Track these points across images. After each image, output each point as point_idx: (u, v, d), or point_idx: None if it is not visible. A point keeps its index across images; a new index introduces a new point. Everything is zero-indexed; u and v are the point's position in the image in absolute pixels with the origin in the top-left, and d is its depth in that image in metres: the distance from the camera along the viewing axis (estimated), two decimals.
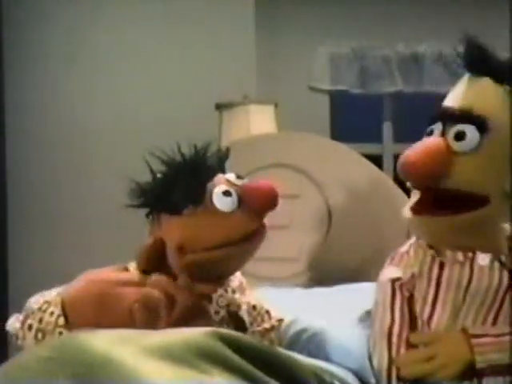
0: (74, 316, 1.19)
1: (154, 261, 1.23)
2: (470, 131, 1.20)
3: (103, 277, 1.22)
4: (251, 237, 1.21)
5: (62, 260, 3.04)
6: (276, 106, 2.95)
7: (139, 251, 1.24)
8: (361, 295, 1.44)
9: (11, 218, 3.28)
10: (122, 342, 1.00)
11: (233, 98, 2.95)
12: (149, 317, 1.17)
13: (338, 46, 3.81)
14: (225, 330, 1.08)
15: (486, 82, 1.23)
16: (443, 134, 1.23)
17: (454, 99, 1.26)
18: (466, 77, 1.26)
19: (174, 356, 0.98)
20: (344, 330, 1.35)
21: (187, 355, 0.99)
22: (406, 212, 1.27)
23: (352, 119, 4.04)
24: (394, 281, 1.32)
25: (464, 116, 1.21)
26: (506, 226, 1.31)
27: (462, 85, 1.27)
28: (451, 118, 1.23)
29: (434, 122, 1.26)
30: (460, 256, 1.27)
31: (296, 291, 1.71)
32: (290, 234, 1.84)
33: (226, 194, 1.20)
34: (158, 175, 1.24)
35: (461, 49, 1.24)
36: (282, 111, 2.98)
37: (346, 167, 1.93)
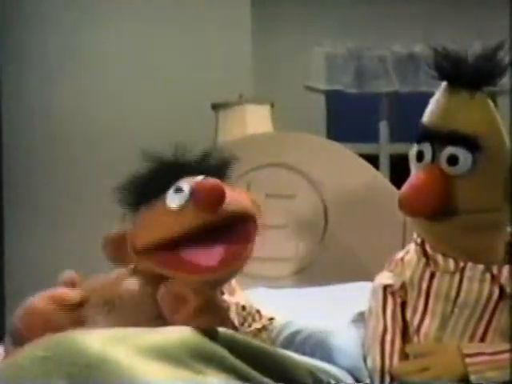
0: None
1: (120, 252, 1.26)
2: (462, 154, 1.19)
3: None
4: (198, 233, 1.20)
5: (59, 260, 3.04)
6: (272, 105, 2.95)
7: (104, 238, 1.27)
8: (356, 295, 1.44)
9: (8, 218, 3.27)
10: (117, 341, 1.00)
11: (229, 98, 2.94)
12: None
13: (334, 45, 3.81)
14: (221, 329, 1.09)
15: (468, 96, 1.22)
16: (434, 156, 1.22)
17: (438, 116, 1.24)
18: (444, 87, 1.25)
19: (169, 356, 0.99)
20: (339, 330, 1.35)
21: (182, 355, 0.99)
22: (421, 219, 1.26)
23: (348, 119, 4.04)
24: (385, 287, 1.32)
25: (453, 137, 1.20)
26: (508, 229, 1.30)
27: (442, 98, 1.24)
28: (440, 140, 1.22)
29: (421, 141, 1.25)
30: (451, 265, 1.26)
31: (290, 291, 1.71)
32: (286, 234, 1.84)
33: (177, 190, 1.22)
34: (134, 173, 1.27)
35: (432, 58, 1.23)
36: (279, 111, 2.97)
37: (343, 167, 1.93)
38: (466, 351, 1.21)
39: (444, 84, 1.25)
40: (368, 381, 1.24)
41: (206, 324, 1.09)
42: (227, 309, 1.30)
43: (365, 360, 1.27)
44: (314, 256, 1.83)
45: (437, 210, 1.21)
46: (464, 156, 1.19)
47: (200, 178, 1.24)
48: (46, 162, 3.32)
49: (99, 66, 3.35)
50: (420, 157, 1.25)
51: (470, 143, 1.18)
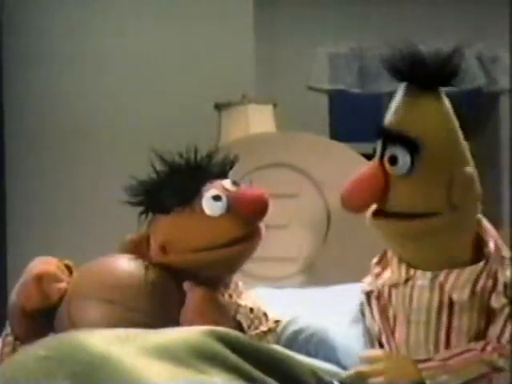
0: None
1: (137, 256, 1.25)
2: (402, 154, 1.19)
3: None
4: (237, 243, 1.21)
5: (62, 257, 3.04)
6: (275, 105, 2.95)
7: (120, 244, 1.26)
8: (358, 295, 1.44)
9: (11, 215, 3.28)
10: (120, 341, 1.01)
11: (232, 98, 2.94)
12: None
13: (337, 45, 3.81)
14: (224, 330, 1.09)
15: (420, 95, 1.20)
16: (382, 155, 1.22)
17: (390, 115, 1.24)
18: (403, 86, 1.24)
19: (172, 356, 0.99)
20: (342, 329, 1.35)
21: (185, 355, 0.99)
22: (368, 214, 1.27)
23: (351, 119, 4.04)
24: (368, 294, 1.33)
25: (396, 138, 1.20)
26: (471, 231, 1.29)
27: (398, 97, 1.25)
28: (387, 138, 1.22)
29: (377, 138, 1.26)
30: (403, 273, 1.27)
31: (293, 291, 1.71)
32: (288, 234, 1.84)
33: (216, 198, 1.20)
34: (154, 174, 1.25)
35: (387, 56, 1.23)
36: (281, 111, 2.97)
37: (345, 167, 1.92)
38: (414, 357, 1.22)
39: (403, 84, 1.24)
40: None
41: (210, 324, 1.09)
42: (235, 311, 1.30)
43: None
44: (317, 256, 1.83)
45: (373, 203, 1.22)
46: (403, 157, 1.18)
47: (228, 183, 1.23)
48: (50, 159, 3.33)
49: (101, 66, 3.36)
50: (374, 154, 1.26)
51: (410, 144, 1.18)
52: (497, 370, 1.19)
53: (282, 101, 3.04)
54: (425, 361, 1.21)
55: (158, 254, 1.23)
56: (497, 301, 1.22)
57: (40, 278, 1.22)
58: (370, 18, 3.78)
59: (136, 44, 3.34)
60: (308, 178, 1.86)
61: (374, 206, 1.24)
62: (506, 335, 1.20)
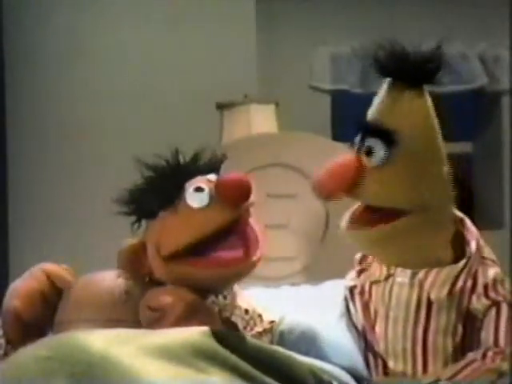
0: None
1: (134, 264, 1.25)
2: (377, 146, 1.20)
3: None
4: (228, 232, 1.20)
5: (63, 258, 3.04)
6: (277, 105, 2.95)
7: (119, 254, 1.26)
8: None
9: (12, 218, 3.29)
10: (119, 341, 1.01)
11: (234, 98, 2.95)
12: None
13: (339, 45, 3.81)
14: (223, 330, 1.09)
15: (403, 91, 1.22)
16: (360, 148, 1.23)
17: (372, 109, 1.26)
18: (387, 82, 1.25)
19: (171, 355, 0.99)
20: (332, 326, 1.35)
21: (185, 354, 1.00)
22: (341, 227, 1.27)
23: (353, 119, 4.03)
24: (351, 289, 1.34)
25: (373, 130, 1.21)
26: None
27: (382, 93, 1.26)
28: (364, 131, 1.23)
29: (357, 132, 1.27)
30: (384, 270, 1.27)
31: (286, 289, 1.71)
32: (287, 234, 1.84)
33: (198, 190, 1.20)
34: (139, 182, 1.26)
35: (373, 52, 1.24)
36: (283, 111, 2.97)
37: None
38: (424, 382, 1.23)
39: (387, 80, 1.25)
40: (366, 373, 1.26)
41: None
42: (230, 312, 1.30)
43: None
44: (316, 256, 1.83)
45: (344, 193, 1.22)
46: (379, 148, 1.20)
47: (212, 177, 1.23)
48: (51, 161, 3.33)
49: (102, 66, 3.36)
50: (352, 147, 1.26)
51: (387, 136, 1.19)
52: (501, 374, 1.20)
53: (283, 101, 3.04)
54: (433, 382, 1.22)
55: (155, 258, 1.23)
56: (478, 302, 1.22)
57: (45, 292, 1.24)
58: (372, 17, 3.77)
59: (138, 44, 3.35)
60: (307, 178, 1.86)
61: (346, 217, 1.25)
62: (502, 337, 1.21)
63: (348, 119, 4.30)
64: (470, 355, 1.22)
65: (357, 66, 3.82)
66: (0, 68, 3.25)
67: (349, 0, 3.78)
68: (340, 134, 3.76)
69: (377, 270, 1.31)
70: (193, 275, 1.21)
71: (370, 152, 1.21)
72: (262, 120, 2.85)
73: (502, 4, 3.19)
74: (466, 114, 4.04)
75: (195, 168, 1.25)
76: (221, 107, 2.96)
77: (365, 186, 1.21)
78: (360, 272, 1.35)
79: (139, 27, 3.36)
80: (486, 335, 1.22)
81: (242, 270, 1.24)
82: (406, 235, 1.21)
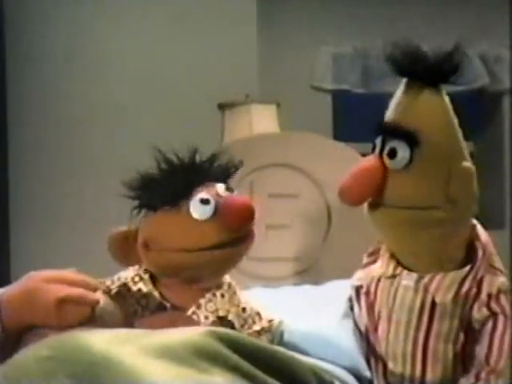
0: (6, 315, 1.20)
1: (125, 250, 1.24)
2: (401, 148, 1.19)
3: (41, 274, 1.23)
4: (220, 248, 1.18)
5: (65, 258, 3.04)
6: (278, 105, 2.96)
7: (108, 239, 1.25)
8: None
9: (13, 217, 3.29)
10: (121, 341, 1.01)
11: (235, 98, 2.95)
12: (75, 315, 1.17)
13: (340, 45, 3.81)
14: (224, 330, 1.09)
15: (420, 91, 1.21)
16: (382, 150, 1.23)
17: (390, 110, 1.25)
18: (404, 83, 1.25)
19: (173, 355, 0.99)
20: (334, 327, 1.35)
21: (186, 355, 0.99)
22: (365, 206, 1.27)
23: (355, 119, 4.04)
24: (357, 289, 1.34)
25: (395, 131, 1.21)
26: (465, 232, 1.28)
27: (399, 93, 1.25)
28: (386, 133, 1.22)
29: (377, 135, 1.26)
30: (390, 270, 1.27)
31: (287, 289, 1.71)
32: (289, 234, 1.84)
33: (204, 202, 1.18)
34: (154, 170, 1.24)
35: (389, 52, 1.23)
36: (285, 111, 2.98)
37: (347, 167, 1.92)
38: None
39: (404, 80, 1.25)
40: (368, 374, 1.26)
41: None
42: (227, 311, 1.29)
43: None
44: (318, 256, 1.83)
45: (371, 197, 1.22)
46: (402, 150, 1.19)
47: (221, 188, 1.22)
48: (52, 160, 3.34)
49: (103, 66, 3.36)
50: (373, 150, 1.26)
51: (410, 138, 1.18)
52: None
53: (285, 101, 3.04)
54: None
55: (140, 249, 1.23)
56: (479, 311, 1.22)
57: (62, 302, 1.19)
58: (373, 17, 3.78)
59: (139, 44, 3.35)
60: (309, 178, 1.86)
61: (370, 200, 1.25)
62: (494, 354, 1.20)
63: (349, 119, 4.33)
64: (463, 382, 1.22)
65: (358, 65, 3.82)
66: (1, 67, 3.26)
67: (350, 0, 3.78)
68: (341, 133, 3.77)
69: (383, 265, 1.30)
70: (175, 261, 1.20)
71: (393, 154, 1.20)
72: (263, 120, 2.86)
73: (502, 3, 3.19)
74: (467, 114, 4.03)
75: (210, 170, 1.23)
76: (222, 107, 2.97)
77: (392, 189, 1.21)
78: (366, 265, 1.35)
79: (140, 27, 3.36)
80: (480, 349, 1.21)
81: (227, 255, 1.22)
82: (431, 224, 1.21)
